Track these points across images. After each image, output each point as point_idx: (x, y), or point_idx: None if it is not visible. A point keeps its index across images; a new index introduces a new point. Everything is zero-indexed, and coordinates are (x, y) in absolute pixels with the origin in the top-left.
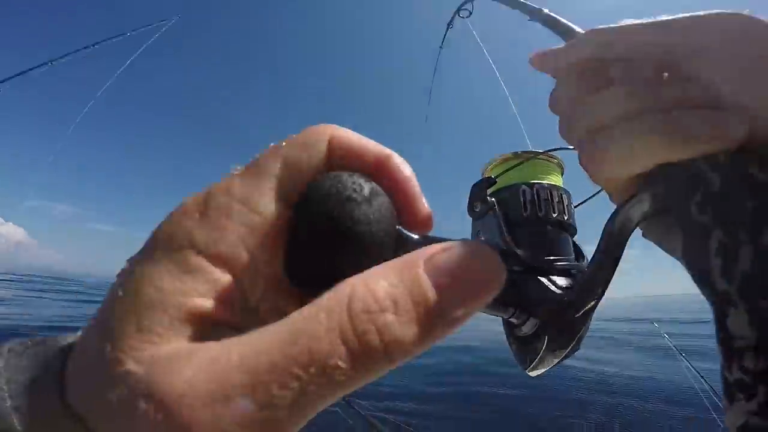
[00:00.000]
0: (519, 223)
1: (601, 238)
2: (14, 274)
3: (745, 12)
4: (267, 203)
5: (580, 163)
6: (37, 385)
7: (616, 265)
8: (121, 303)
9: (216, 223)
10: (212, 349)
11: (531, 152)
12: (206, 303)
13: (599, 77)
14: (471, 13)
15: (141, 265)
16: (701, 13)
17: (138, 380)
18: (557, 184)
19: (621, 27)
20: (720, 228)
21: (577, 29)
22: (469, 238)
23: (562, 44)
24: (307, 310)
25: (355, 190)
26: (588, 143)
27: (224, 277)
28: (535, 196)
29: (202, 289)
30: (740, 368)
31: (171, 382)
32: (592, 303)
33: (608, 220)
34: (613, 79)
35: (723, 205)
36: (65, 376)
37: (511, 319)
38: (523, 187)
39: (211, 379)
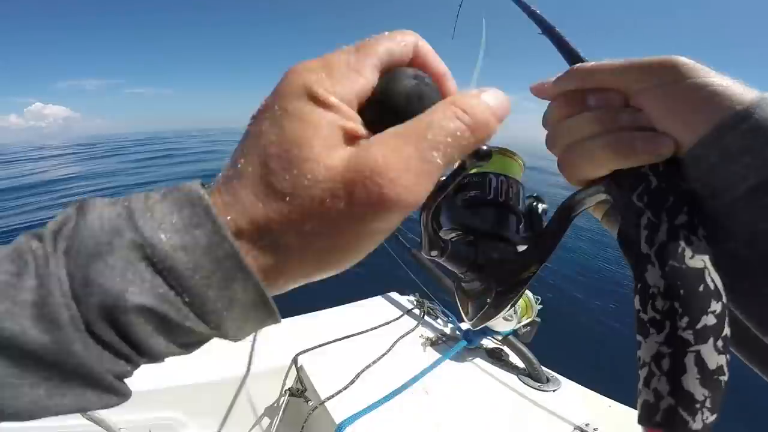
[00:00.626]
0: (483, 202)
1: (554, 214)
2: (77, 145)
3: (679, 58)
4: (369, 73)
5: (558, 168)
6: (193, 221)
7: (560, 238)
8: (286, 130)
9: (339, 80)
10: (382, 142)
11: (504, 150)
12: (350, 124)
13: (579, 104)
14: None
15: (289, 106)
16: (648, 58)
17: (346, 167)
18: (515, 177)
19: (599, 65)
20: (650, 210)
21: (577, 52)
22: None
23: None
24: (424, 115)
25: (424, 81)
26: (565, 154)
27: (351, 113)
28: (498, 184)
29: (344, 118)
30: (653, 308)
31: (374, 159)
32: (534, 268)
33: (565, 200)
34: (588, 105)
35: (655, 196)
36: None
37: (463, 275)
38: (490, 175)
39: (398, 155)
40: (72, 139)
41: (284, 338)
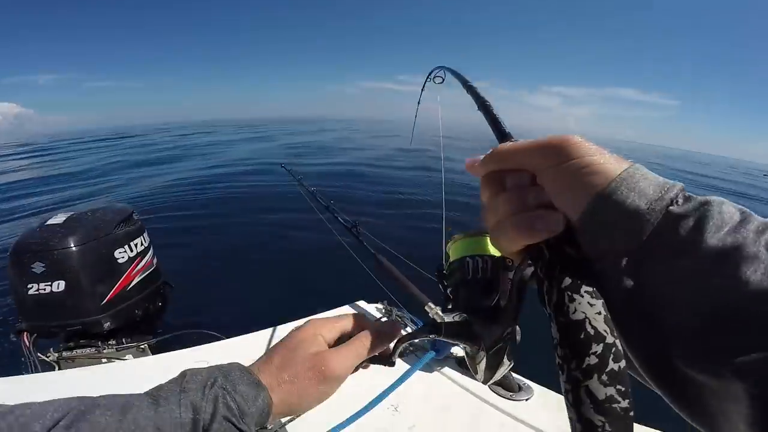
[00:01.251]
0: (465, 283)
1: (510, 286)
2: (29, 144)
3: (569, 138)
4: (336, 335)
5: (490, 242)
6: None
7: (521, 305)
8: (304, 349)
9: (327, 333)
10: (338, 353)
11: (473, 232)
12: (324, 348)
13: (498, 184)
14: (443, 80)
15: (302, 341)
16: (546, 139)
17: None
18: (489, 252)
19: (511, 147)
20: (546, 279)
21: (506, 130)
22: None
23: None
24: (356, 339)
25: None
26: (491, 230)
27: (325, 346)
28: (474, 265)
29: (323, 345)
30: (558, 356)
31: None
32: (509, 330)
33: (513, 276)
34: (505, 186)
35: (548, 268)
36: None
37: (464, 347)
38: (467, 259)
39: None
40: (27, 137)
41: (247, 354)
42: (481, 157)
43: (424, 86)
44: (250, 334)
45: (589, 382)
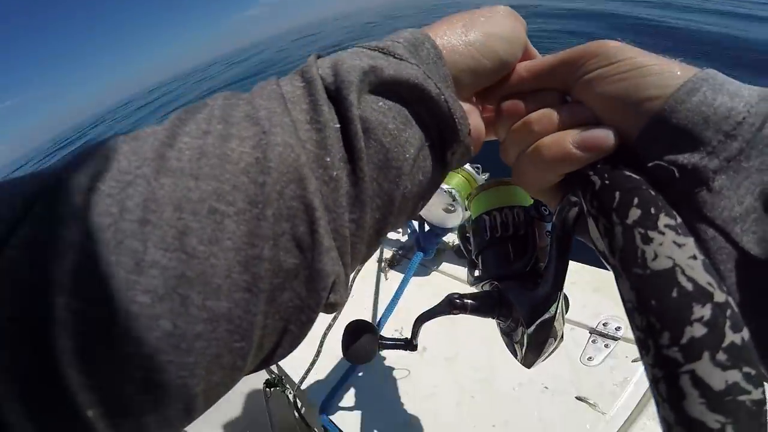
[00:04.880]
0: (491, 244)
1: (550, 241)
2: None
3: (609, 42)
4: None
5: (513, 182)
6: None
7: (567, 262)
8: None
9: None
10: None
11: (493, 182)
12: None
13: (519, 110)
14: None
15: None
16: (576, 47)
17: None
18: (516, 203)
19: (530, 63)
20: (602, 216)
21: None
22: None
23: None
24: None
25: None
26: (514, 165)
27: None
28: (493, 221)
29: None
30: (635, 327)
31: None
32: (554, 297)
33: (551, 225)
34: (527, 110)
35: (602, 198)
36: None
37: (498, 320)
38: (486, 214)
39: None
40: None
41: None
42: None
43: None
44: None
45: (695, 365)
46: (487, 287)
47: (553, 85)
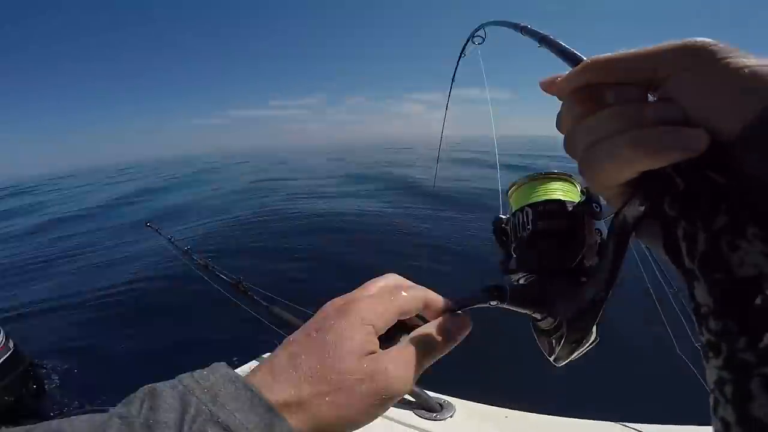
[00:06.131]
0: (528, 238)
1: (606, 240)
2: None
3: (707, 40)
4: (392, 318)
5: (580, 174)
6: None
7: (621, 263)
8: (349, 348)
9: (378, 317)
10: (399, 358)
11: (538, 175)
12: (372, 345)
13: (596, 101)
14: (484, 40)
15: (344, 333)
16: (669, 42)
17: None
18: (557, 197)
19: (616, 56)
20: (684, 219)
21: (580, 55)
22: None
23: (567, 69)
24: (420, 338)
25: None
26: (585, 157)
27: (374, 338)
28: (529, 217)
29: (371, 341)
30: (708, 330)
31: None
32: (601, 295)
33: (610, 224)
34: (606, 101)
35: (686, 201)
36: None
37: (534, 315)
38: (517, 213)
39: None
40: None
41: None
42: (565, 73)
43: (463, 51)
44: None
45: None
46: (522, 281)
47: (637, 78)
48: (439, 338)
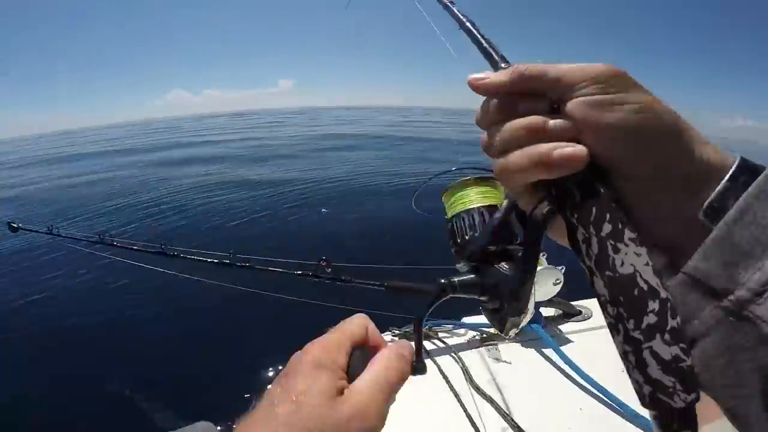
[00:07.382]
0: (470, 241)
1: (524, 234)
2: None
3: (616, 70)
4: (347, 348)
5: (496, 177)
6: None
7: (539, 250)
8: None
9: (336, 356)
10: (356, 391)
11: (471, 179)
12: (341, 382)
13: (511, 109)
14: None
15: (304, 378)
16: (585, 66)
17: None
18: (471, 206)
19: (543, 68)
20: (581, 226)
21: (499, 56)
22: None
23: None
24: (380, 364)
25: (366, 352)
26: (499, 162)
27: (342, 374)
28: (461, 225)
29: (336, 378)
30: (608, 314)
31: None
32: (533, 275)
33: (527, 222)
34: (519, 112)
35: (582, 211)
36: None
37: (481, 299)
38: (454, 220)
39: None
40: None
41: None
42: (491, 73)
43: None
44: None
45: (653, 343)
46: (467, 268)
47: (559, 93)
48: (397, 357)
